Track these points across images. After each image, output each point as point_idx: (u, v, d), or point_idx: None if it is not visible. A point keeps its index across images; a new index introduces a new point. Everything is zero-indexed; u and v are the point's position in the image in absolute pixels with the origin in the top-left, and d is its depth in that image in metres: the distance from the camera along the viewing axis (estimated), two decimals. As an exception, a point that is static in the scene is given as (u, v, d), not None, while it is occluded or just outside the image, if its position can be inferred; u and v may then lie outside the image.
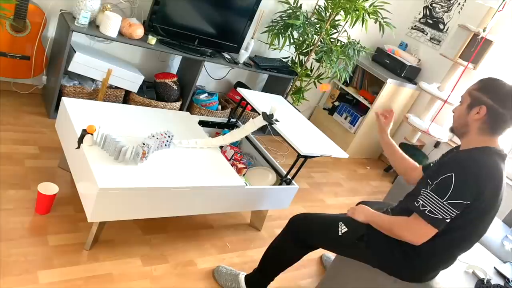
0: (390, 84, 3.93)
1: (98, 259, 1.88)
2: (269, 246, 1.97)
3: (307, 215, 1.90)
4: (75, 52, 2.61)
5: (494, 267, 2.16)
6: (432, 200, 1.47)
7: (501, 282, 2.03)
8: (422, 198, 1.51)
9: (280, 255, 1.93)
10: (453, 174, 1.44)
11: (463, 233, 1.56)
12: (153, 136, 2.02)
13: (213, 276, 2.06)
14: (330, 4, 3.39)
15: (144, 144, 1.91)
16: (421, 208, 1.49)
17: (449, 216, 1.47)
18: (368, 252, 1.71)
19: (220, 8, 3.07)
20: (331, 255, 2.55)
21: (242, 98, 2.67)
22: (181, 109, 3.27)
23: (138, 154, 1.87)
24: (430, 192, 1.49)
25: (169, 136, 2.09)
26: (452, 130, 1.66)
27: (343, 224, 1.75)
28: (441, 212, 1.46)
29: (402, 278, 1.71)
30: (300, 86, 3.72)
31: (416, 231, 1.51)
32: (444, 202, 1.45)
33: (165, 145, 2.10)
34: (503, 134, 1.55)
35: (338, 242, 1.76)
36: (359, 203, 2.19)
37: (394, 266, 1.68)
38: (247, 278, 2.00)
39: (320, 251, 2.59)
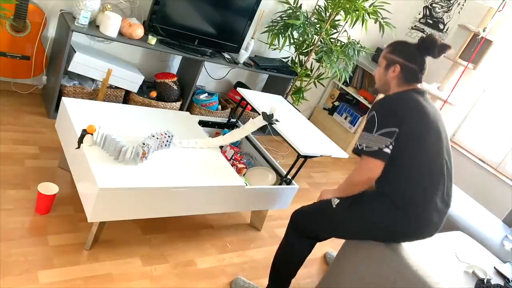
0: (390, 84, 3.92)
1: (98, 259, 1.88)
2: (276, 252, 2.01)
3: (305, 206, 1.98)
4: (75, 52, 2.61)
5: (494, 267, 2.16)
6: (365, 137, 1.70)
7: (501, 282, 2.03)
8: (358, 140, 1.74)
9: (289, 255, 1.97)
10: (374, 112, 1.71)
11: (416, 160, 1.69)
12: (153, 136, 2.02)
13: (230, 287, 2.08)
14: (330, 4, 3.39)
15: (144, 144, 1.91)
16: (359, 148, 1.71)
17: (384, 145, 1.66)
18: (361, 215, 1.78)
19: (220, 8, 3.07)
20: (335, 252, 2.56)
21: (242, 98, 2.67)
22: (181, 109, 3.27)
23: (138, 154, 1.87)
24: (362, 132, 1.73)
25: (169, 136, 2.10)
26: (376, 90, 1.95)
27: (335, 198, 1.87)
28: (375, 144, 1.67)
29: (398, 233, 1.76)
30: (300, 86, 3.72)
31: (365, 169, 1.70)
32: (374, 135, 1.67)
33: (165, 145, 2.10)
34: (421, 82, 1.83)
35: (333, 216, 1.84)
36: None
37: (388, 221, 1.74)
38: None
39: (322, 250, 2.59)
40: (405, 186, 1.70)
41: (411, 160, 1.69)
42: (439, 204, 1.76)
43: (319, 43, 3.50)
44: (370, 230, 1.78)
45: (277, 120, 2.31)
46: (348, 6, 3.29)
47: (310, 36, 3.45)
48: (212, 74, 3.62)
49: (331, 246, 2.71)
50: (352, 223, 1.82)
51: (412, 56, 1.80)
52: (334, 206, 1.84)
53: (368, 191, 1.79)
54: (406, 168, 1.70)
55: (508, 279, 2.06)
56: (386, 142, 1.66)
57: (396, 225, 1.74)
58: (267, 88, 3.96)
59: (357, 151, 1.73)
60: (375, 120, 1.69)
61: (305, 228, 1.92)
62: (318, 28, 3.46)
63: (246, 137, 2.73)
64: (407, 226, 1.74)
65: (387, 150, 1.66)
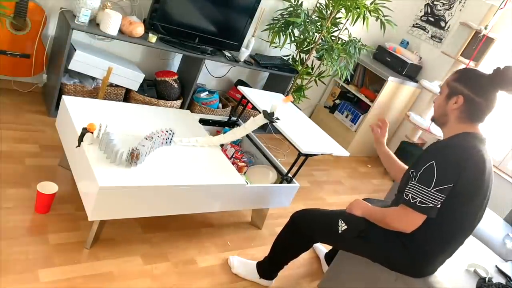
0: (391, 82, 3.92)
1: (99, 257, 1.88)
2: (274, 241, 2.07)
3: (308, 212, 1.95)
4: (75, 50, 2.61)
5: (496, 266, 2.15)
6: (421, 192, 1.52)
7: (502, 280, 2.02)
8: (411, 190, 1.55)
9: (286, 249, 2.03)
10: (433, 162, 1.51)
11: (453, 218, 1.58)
12: (152, 137, 2.00)
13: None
14: (331, 2, 3.38)
15: (135, 148, 1.85)
16: (411, 201, 1.54)
17: (439, 202, 1.52)
18: (367, 247, 1.74)
19: (220, 6, 3.07)
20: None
21: (243, 96, 2.66)
22: (181, 107, 3.26)
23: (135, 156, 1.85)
24: (417, 184, 1.54)
25: (169, 134, 2.09)
26: (433, 119, 1.74)
27: (342, 222, 1.80)
28: (431, 200, 1.51)
29: (400, 271, 1.73)
30: (301, 84, 3.71)
31: (406, 221, 1.57)
32: (432, 191, 1.50)
33: (166, 142, 2.09)
34: (483, 122, 1.61)
35: (339, 239, 1.81)
36: (363, 199, 2.20)
37: (392, 259, 1.71)
38: (258, 264, 2.12)
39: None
40: (428, 237, 1.61)
41: (447, 216, 1.56)
42: (447, 256, 1.72)
43: (320, 41, 3.49)
44: (377, 258, 1.76)
45: (278, 119, 2.30)
46: (349, 3, 3.28)
47: (311, 34, 3.44)
48: (213, 72, 3.61)
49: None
50: (355, 250, 1.81)
51: (481, 88, 1.55)
52: (340, 232, 1.78)
53: (378, 226, 1.70)
54: (439, 223, 1.57)
55: (509, 277, 2.06)
56: (441, 199, 1.51)
57: (397, 263, 1.71)
58: (268, 86, 3.95)
59: (407, 203, 1.54)
60: (434, 173, 1.49)
61: (305, 234, 1.93)
62: (319, 26, 3.45)
63: (247, 136, 2.73)
64: (408, 267, 1.71)
65: (438, 206, 1.52)
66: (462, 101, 1.57)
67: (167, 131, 2.08)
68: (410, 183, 1.57)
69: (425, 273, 1.72)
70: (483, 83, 1.56)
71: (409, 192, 1.55)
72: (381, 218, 1.66)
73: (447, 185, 1.49)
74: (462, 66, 3.70)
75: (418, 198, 1.52)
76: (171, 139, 2.12)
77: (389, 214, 1.64)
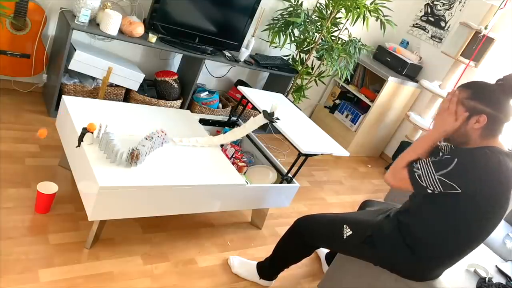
0: (391, 82, 3.92)
1: (99, 257, 1.88)
2: (276, 244, 2.07)
3: (311, 218, 1.95)
4: (75, 50, 2.61)
5: (496, 266, 2.15)
6: (427, 169, 1.50)
7: (502, 280, 2.02)
8: (420, 163, 1.53)
9: (287, 253, 2.04)
10: (457, 158, 1.45)
11: (469, 231, 1.56)
12: (151, 137, 2.00)
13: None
14: (331, 2, 3.38)
15: (135, 148, 1.86)
16: (414, 169, 1.53)
17: (432, 189, 1.49)
18: (372, 253, 1.74)
19: (220, 6, 3.06)
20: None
21: (243, 96, 2.66)
22: (181, 107, 3.26)
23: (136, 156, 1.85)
24: (429, 162, 1.51)
25: (164, 134, 2.08)
26: (447, 140, 1.63)
27: (347, 227, 1.79)
28: (428, 182, 1.49)
29: (403, 275, 1.72)
30: (301, 84, 3.71)
31: (398, 179, 1.57)
32: (436, 176, 1.47)
33: (162, 142, 2.09)
34: (501, 133, 1.56)
35: (343, 244, 1.81)
36: (364, 201, 2.21)
37: (398, 265, 1.71)
38: (259, 264, 2.13)
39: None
40: (440, 245, 1.59)
41: (469, 227, 1.53)
42: (454, 262, 1.71)
43: (320, 41, 3.49)
44: (382, 262, 1.75)
45: (278, 118, 2.30)
46: (349, 3, 3.28)
47: (311, 34, 3.44)
48: (213, 72, 3.61)
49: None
50: (360, 255, 1.81)
51: (499, 102, 1.48)
52: (344, 237, 1.78)
53: (385, 231, 1.71)
54: (455, 232, 1.55)
55: (509, 277, 2.06)
56: (436, 189, 1.48)
57: (403, 269, 1.71)
58: (268, 86, 3.95)
59: (409, 168, 1.54)
60: (449, 165, 1.44)
61: (309, 240, 1.94)
62: (319, 26, 3.45)
63: (247, 136, 2.73)
64: (414, 272, 1.71)
65: (429, 191, 1.50)
66: (485, 120, 1.48)
67: (161, 131, 2.07)
68: (425, 160, 1.53)
69: (430, 278, 1.72)
70: (497, 96, 1.49)
71: (419, 163, 1.53)
72: (399, 161, 1.60)
73: (452, 183, 1.44)
74: (462, 66, 3.70)
75: (419, 172, 1.51)
76: (165, 138, 2.11)
77: (393, 166, 1.62)
